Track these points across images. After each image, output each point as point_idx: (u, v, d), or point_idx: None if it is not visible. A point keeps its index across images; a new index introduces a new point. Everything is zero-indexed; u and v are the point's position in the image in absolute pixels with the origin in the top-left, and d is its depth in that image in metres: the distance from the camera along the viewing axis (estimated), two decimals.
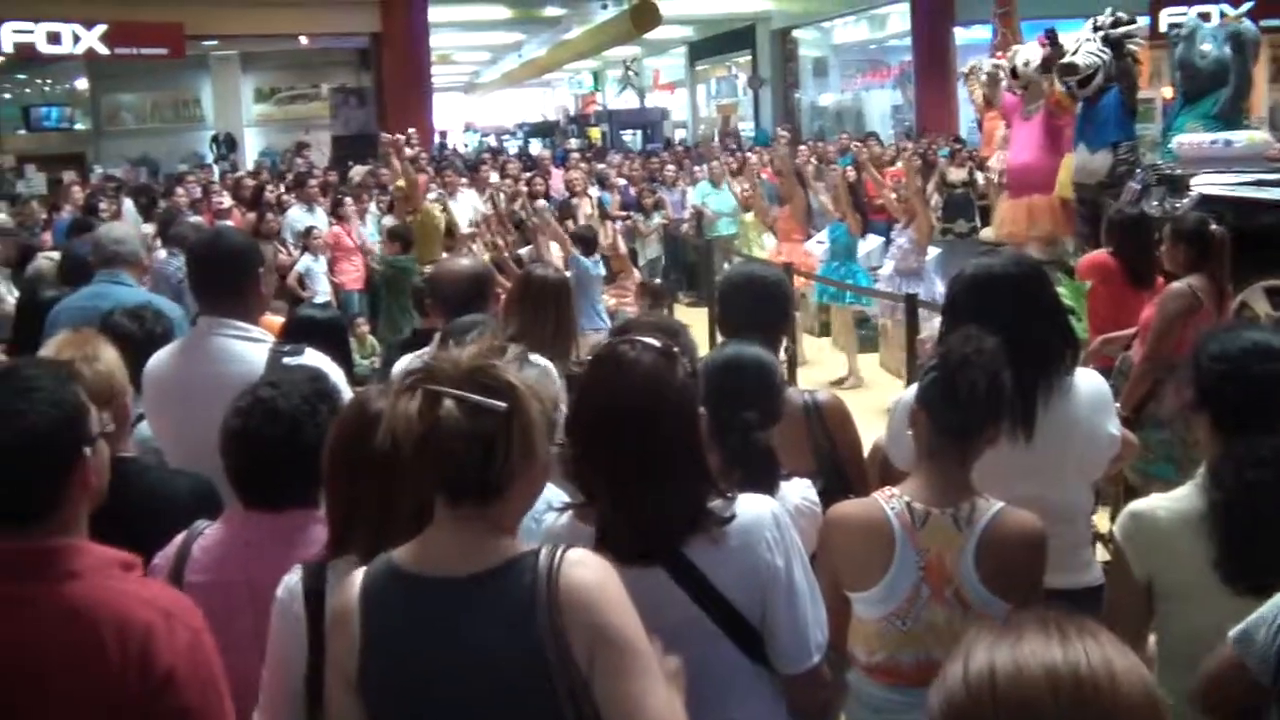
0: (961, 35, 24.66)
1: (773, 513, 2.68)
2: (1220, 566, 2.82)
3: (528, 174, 16.34)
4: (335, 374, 3.80)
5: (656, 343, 2.65)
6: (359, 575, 2.32)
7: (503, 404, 2.18)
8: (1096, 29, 9.99)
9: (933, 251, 11.80)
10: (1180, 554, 2.91)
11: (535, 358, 4.18)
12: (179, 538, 3.02)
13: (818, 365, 12.03)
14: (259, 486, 3.02)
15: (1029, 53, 11.04)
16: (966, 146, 15.85)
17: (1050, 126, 10.64)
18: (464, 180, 15.57)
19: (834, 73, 32.46)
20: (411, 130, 21.09)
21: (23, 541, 2.35)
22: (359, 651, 2.26)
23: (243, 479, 3.04)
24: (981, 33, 19.53)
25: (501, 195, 13.57)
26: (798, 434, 3.77)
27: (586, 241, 10.52)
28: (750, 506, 2.66)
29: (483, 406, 2.17)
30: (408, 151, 17.81)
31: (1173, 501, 3.02)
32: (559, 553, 2.24)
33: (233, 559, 2.95)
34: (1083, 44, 9.95)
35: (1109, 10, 10.04)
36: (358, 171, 14.97)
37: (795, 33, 31.74)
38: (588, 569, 2.23)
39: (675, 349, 2.66)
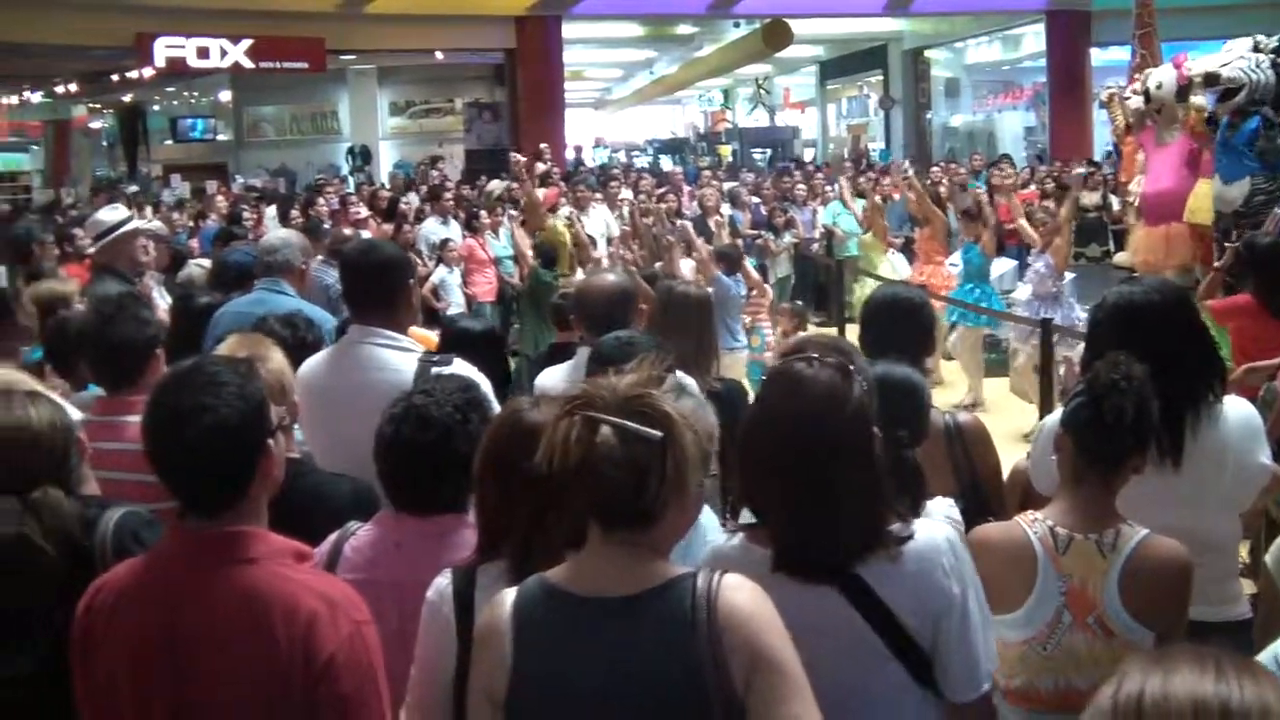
0: (1098, 56, 24.32)
1: (948, 538, 2.66)
2: None
3: (660, 190, 16.41)
4: (484, 384, 3.88)
5: (832, 360, 2.64)
6: (510, 593, 2.36)
7: (658, 433, 2.20)
8: (1257, 48, 9.73)
9: (1067, 276, 11.65)
10: None
11: (680, 376, 4.23)
12: (332, 536, 3.14)
13: (951, 387, 11.92)
14: (410, 491, 3.11)
15: (1162, 75, 10.84)
16: (1101, 170, 15.60)
17: (1189, 152, 10.44)
18: (597, 195, 15.69)
19: (966, 93, 32.13)
20: (544, 145, 21.48)
21: (211, 527, 2.50)
22: (509, 669, 2.28)
23: (394, 483, 3.14)
24: (1119, 54, 19.20)
25: (634, 211, 13.65)
26: (938, 454, 3.76)
27: (729, 259, 10.44)
28: (926, 531, 2.64)
29: (639, 435, 2.20)
30: (539, 167, 18.06)
31: None
32: (716, 576, 2.26)
33: (382, 560, 3.05)
34: (1235, 59, 9.70)
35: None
36: (496, 185, 15.16)
37: (927, 53, 31.48)
38: (744, 593, 2.24)
39: (851, 366, 2.65)
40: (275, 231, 6.47)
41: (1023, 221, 11.87)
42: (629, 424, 2.20)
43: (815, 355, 2.65)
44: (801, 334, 10.84)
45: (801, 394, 2.60)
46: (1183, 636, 3.02)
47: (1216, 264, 8.72)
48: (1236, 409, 3.57)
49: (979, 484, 3.83)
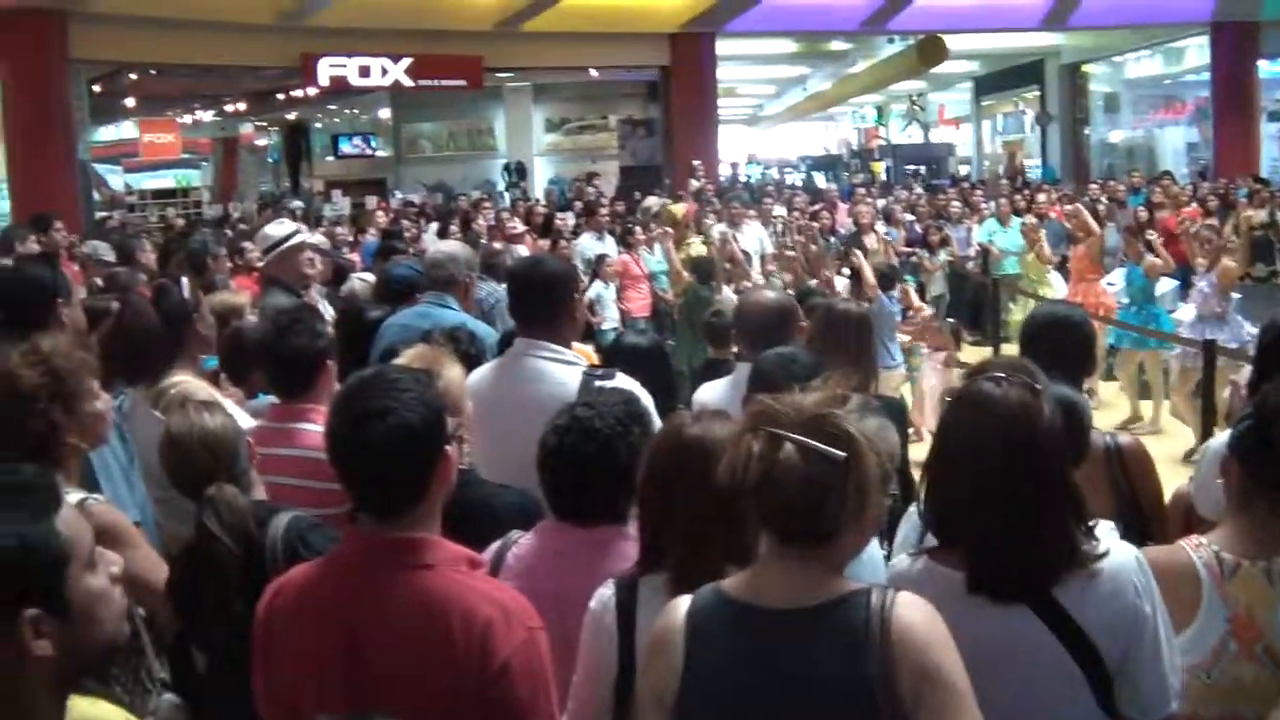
0: (1266, 68, 23.62)
1: (1136, 558, 2.66)
2: None
3: (814, 208, 16.36)
4: (645, 398, 3.93)
5: (1020, 379, 2.64)
6: (685, 600, 2.40)
7: (842, 454, 2.22)
8: None
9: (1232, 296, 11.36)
10: None
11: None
12: (495, 544, 3.22)
13: (1111, 408, 11.68)
14: (571, 501, 3.17)
15: None
16: (1269, 186, 15.17)
17: None
18: (750, 212, 15.71)
19: (1125, 108, 31.44)
20: (697, 162, 21.56)
21: (390, 532, 2.59)
22: (680, 675, 2.32)
23: (557, 493, 3.20)
24: None
25: (786, 228, 13.63)
26: (1097, 476, 3.71)
27: (886, 278, 10.45)
28: (1117, 550, 2.64)
29: (822, 454, 2.22)
30: (692, 184, 18.16)
31: None
32: (890, 594, 2.28)
33: (542, 568, 3.11)
34: None
35: None
36: (652, 201, 15.26)
37: (1085, 67, 30.89)
38: (918, 611, 2.26)
39: (1039, 386, 2.65)
40: (441, 245, 6.59)
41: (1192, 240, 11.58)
42: (813, 443, 2.22)
43: (1002, 375, 2.65)
44: (925, 353, 10.78)
45: (993, 414, 2.60)
46: None
47: None
48: None
49: (1138, 506, 3.77)
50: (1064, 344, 3.99)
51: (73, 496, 3.20)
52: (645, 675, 2.43)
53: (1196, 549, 3.01)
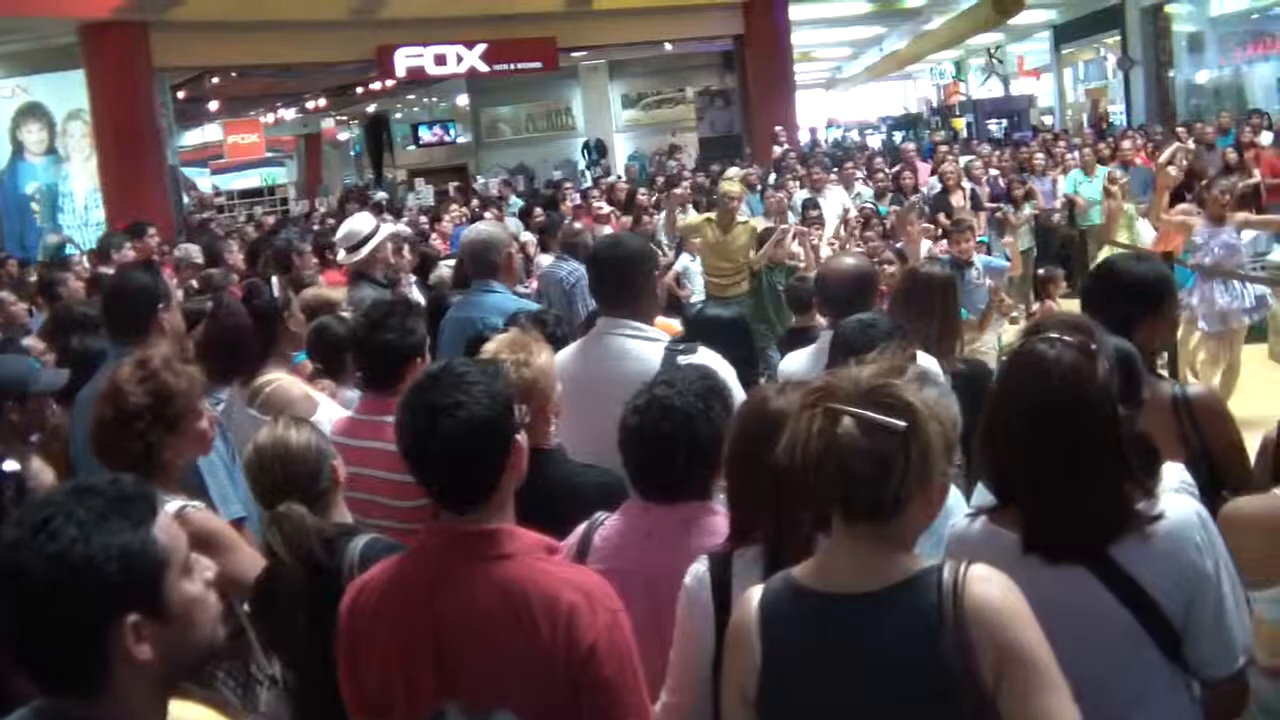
0: None
1: (1197, 513, 2.62)
2: None
3: (895, 169, 16.23)
4: (726, 371, 3.95)
5: (1074, 339, 2.62)
6: (756, 592, 2.38)
7: (902, 424, 2.18)
8: None
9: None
10: None
11: (921, 356, 4.23)
12: (581, 527, 3.24)
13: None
14: (656, 480, 3.18)
15: None
16: None
17: None
18: (832, 176, 15.61)
19: (1211, 48, 30.70)
20: (779, 128, 21.46)
21: (466, 523, 2.64)
22: (759, 669, 2.31)
23: (640, 473, 3.21)
24: None
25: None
26: (1165, 426, 3.66)
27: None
28: (1176, 507, 2.61)
29: (882, 425, 2.18)
30: (775, 150, 18.07)
31: None
32: (963, 568, 2.23)
33: (630, 549, 3.12)
34: None
35: None
36: (734, 171, 15.22)
37: (1168, 8, 30.22)
38: (993, 585, 2.22)
39: (1093, 345, 2.63)
40: (473, 229, 6.56)
41: None
42: (872, 415, 2.19)
43: (1056, 335, 2.63)
44: (1045, 310, 10.62)
45: (1045, 375, 2.59)
46: None
47: None
48: None
49: (1211, 457, 3.70)
50: (1121, 294, 3.91)
51: (171, 505, 3.29)
52: (727, 671, 2.43)
53: None
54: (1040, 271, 12.01)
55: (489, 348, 3.75)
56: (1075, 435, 2.54)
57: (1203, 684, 2.66)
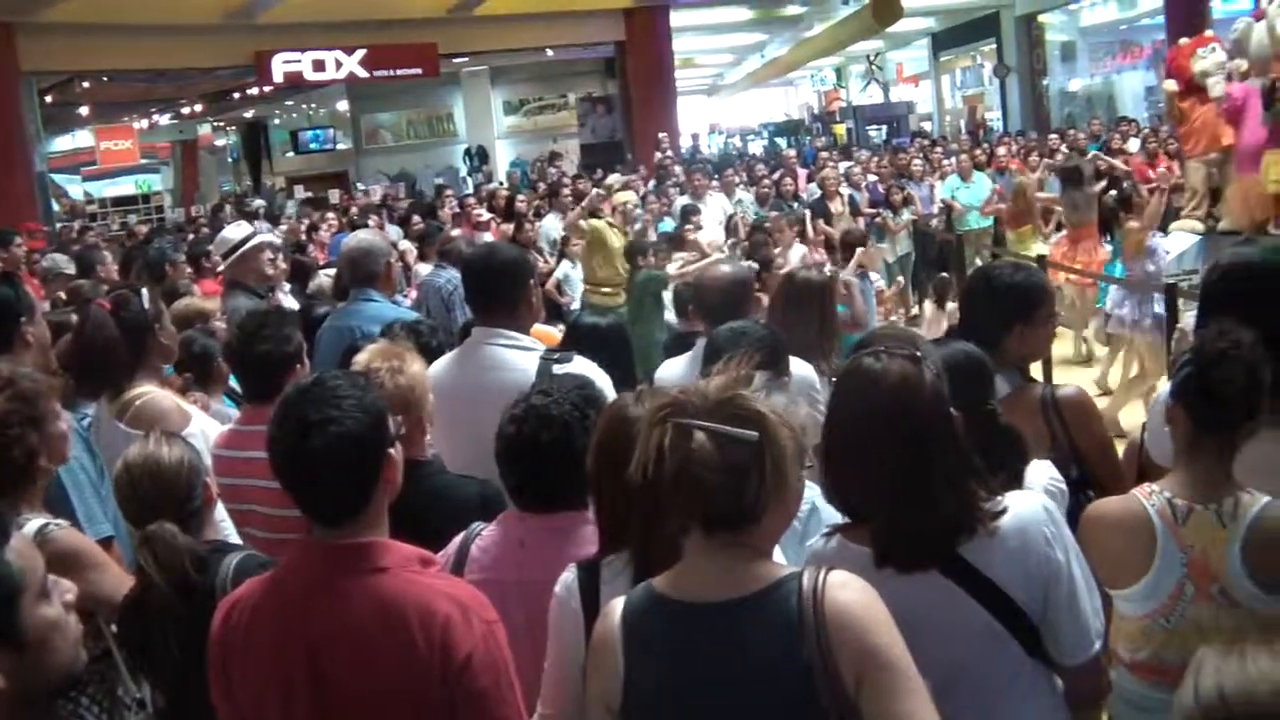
0: (1219, 8, 23.65)
1: (1044, 507, 2.68)
2: None
3: (775, 175, 16.35)
4: (603, 381, 3.94)
5: (901, 350, 2.65)
6: (619, 603, 2.38)
7: (754, 434, 2.19)
8: None
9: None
10: None
11: (796, 363, 4.26)
12: (458, 538, 3.21)
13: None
14: (532, 490, 3.16)
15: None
16: None
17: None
18: (713, 183, 15.70)
19: (1083, 56, 31.48)
20: (663, 135, 21.54)
21: (338, 538, 2.60)
22: (622, 679, 2.31)
23: (516, 482, 3.19)
24: (1242, 4, 18.69)
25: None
26: (1034, 426, 3.73)
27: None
28: (1022, 503, 2.66)
29: (734, 437, 2.19)
30: (656, 156, 18.15)
31: None
32: (822, 575, 2.24)
33: (507, 559, 3.11)
34: None
35: None
36: (615, 179, 15.22)
37: (1041, 17, 30.90)
38: (851, 590, 2.23)
39: (920, 354, 2.66)
40: (353, 238, 6.49)
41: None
42: (724, 427, 2.20)
43: (883, 348, 2.67)
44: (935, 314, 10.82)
45: (876, 388, 2.61)
46: None
47: None
48: None
49: (1079, 455, 3.77)
50: (996, 300, 3.96)
51: (32, 525, 3.22)
52: (590, 682, 2.41)
53: (1149, 497, 3.07)
54: (944, 275, 12.14)
55: (360, 358, 3.72)
56: (909, 443, 2.57)
57: (1062, 672, 2.72)
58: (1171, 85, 12.06)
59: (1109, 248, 11.18)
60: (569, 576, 2.77)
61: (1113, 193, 10.50)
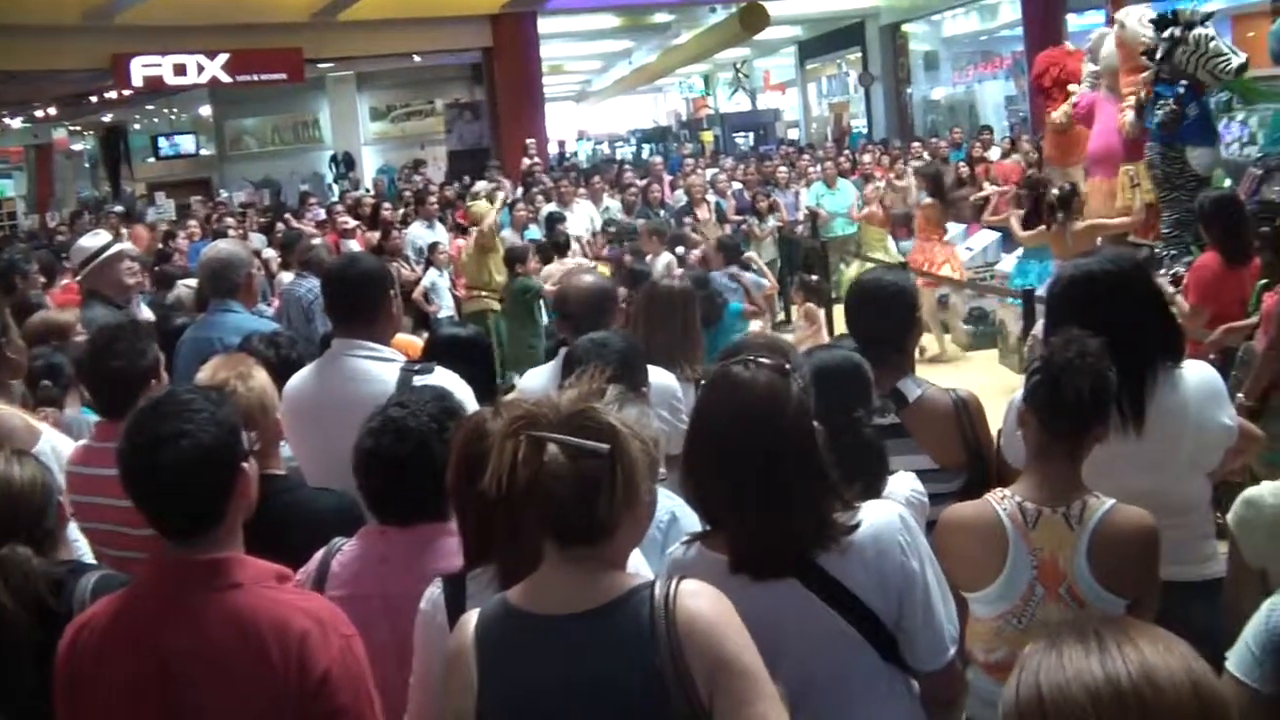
0: (1075, 22, 24.28)
1: (900, 516, 2.73)
2: None
3: (642, 181, 16.42)
4: (464, 391, 3.92)
5: (769, 361, 2.69)
6: (473, 616, 2.38)
7: (605, 446, 2.21)
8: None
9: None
10: None
11: (656, 371, 4.29)
12: (318, 554, 3.16)
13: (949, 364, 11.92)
14: (391, 503, 3.14)
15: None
16: None
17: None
18: (581, 191, 15.72)
19: (945, 66, 32.09)
20: (530, 141, 21.49)
21: (192, 554, 2.56)
22: (475, 692, 2.30)
23: (375, 496, 3.17)
24: (1095, 18, 19.21)
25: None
26: (949, 430, 3.84)
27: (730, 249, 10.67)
28: (878, 513, 2.71)
29: (585, 450, 2.20)
30: (524, 162, 18.12)
31: None
32: (674, 584, 2.27)
33: (368, 574, 3.08)
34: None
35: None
36: (482, 185, 15.17)
37: (905, 27, 31.45)
38: (703, 599, 2.25)
39: (788, 365, 2.70)
40: (213, 248, 6.39)
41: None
42: (574, 440, 2.21)
43: (752, 358, 2.70)
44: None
45: (741, 397, 2.65)
46: (1155, 601, 3.10)
47: None
48: (1196, 373, 3.60)
49: (984, 456, 3.88)
50: (884, 312, 4.04)
51: None
52: (444, 695, 2.41)
53: (1001, 501, 3.14)
54: (814, 278, 12.31)
55: (202, 374, 3.65)
56: (772, 455, 2.61)
57: (919, 678, 2.78)
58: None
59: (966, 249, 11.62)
60: (434, 591, 2.75)
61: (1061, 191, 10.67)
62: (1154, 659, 1.57)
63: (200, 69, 22.58)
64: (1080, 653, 1.59)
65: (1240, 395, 5.76)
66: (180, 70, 22.40)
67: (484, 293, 12.18)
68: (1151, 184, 9.77)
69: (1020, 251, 11.51)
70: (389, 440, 3.11)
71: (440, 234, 14.11)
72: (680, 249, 11.34)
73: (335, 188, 27.40)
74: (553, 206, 14.53)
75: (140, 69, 22.00)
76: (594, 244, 13.84)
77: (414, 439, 3.09)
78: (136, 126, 34.41)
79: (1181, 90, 9.37)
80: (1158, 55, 9.50)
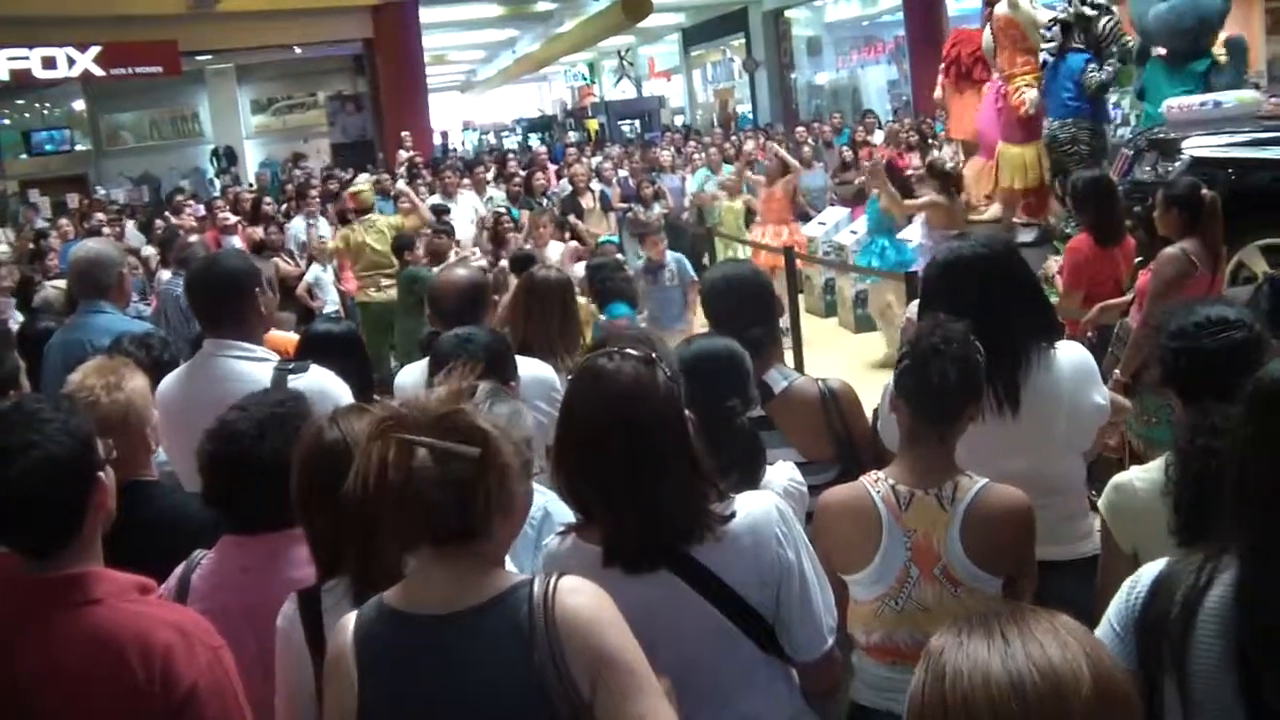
0: (954, 6, 24.63)
1: (776, 507, 2.72)
2: (1175, 533, 2.80)
3: (525, 170, 16.34)
4: (339, 389, 3.86)
5: (635, 352, 2.66)
6: (351, 619, 2.33)
7: (475, 450, 2.16)
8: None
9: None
10: (1158, 524, 2.91)
11: (534, 363, 4.25)
12: (179, 569, 3.07)
13: (820, 346, 11.95)
14: (234, 509, 3.05)
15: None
16: None
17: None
18: (465, 182, 15.61)
19: (828, 51, 32.39)
20: (405, 133, 21.30)
21: (46, 570, 2.46)
22: (356, 695, 2.26)
23: (219, 502, 3.07)
24: (973, 2, 19.46)
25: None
26: (816, 422, 3.82)
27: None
28: (754, 504, 2.70)
29: (456, 453, 2.16)
30: (401, 155, 17.96)
31: (1149, 473, 3.09)
32: (552, 581, 2.25)
33: (228, 585, 2.99)
34: None
35: None
36: (363, 178, 14.98)
37: (788, 13, 31.70)
38: (582, 595, 2.23)
39: (654, 355, 2.68)
40: (82, 247, 6.19)
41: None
42: (445, 444, 2.16)
43: (617, 350, 2.67)
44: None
45: (605, 389, 2.63)
46: (1033, 580, 3.15)
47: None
48: (1068, 354, 3.65)
49: (854, 447, 3.86)
50: (744, 302, 4.00)
51: None
52: (327, 703, 2.36)
53: (875, 484, 3.17)
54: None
55: (74, 377, 3.54)
56: (638, 445, 2.59)
57: (797, 667, 2.79)
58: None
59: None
60: (289, 608, 2.69)
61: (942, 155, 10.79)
62: (1054, 652, 1.58)
63: (71, 62, 22.08)
64: (982, 647, 1.60)
65: (1116, 372, 5.88)
66: (49, 63, 21.90)
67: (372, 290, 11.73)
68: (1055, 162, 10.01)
69: (862, 226, 11.77)
70: (223, 445, 3.03)
71: (323, 227, 13.93)
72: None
73: (217, 182, 26.94)
74: (436, 198, 14.39)
75: (6, 62, 21.45)
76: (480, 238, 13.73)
77: (243, 443, 3.01)
78: (6, 121, 33.52)
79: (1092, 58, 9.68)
80: (1078, 22, 9.75)
